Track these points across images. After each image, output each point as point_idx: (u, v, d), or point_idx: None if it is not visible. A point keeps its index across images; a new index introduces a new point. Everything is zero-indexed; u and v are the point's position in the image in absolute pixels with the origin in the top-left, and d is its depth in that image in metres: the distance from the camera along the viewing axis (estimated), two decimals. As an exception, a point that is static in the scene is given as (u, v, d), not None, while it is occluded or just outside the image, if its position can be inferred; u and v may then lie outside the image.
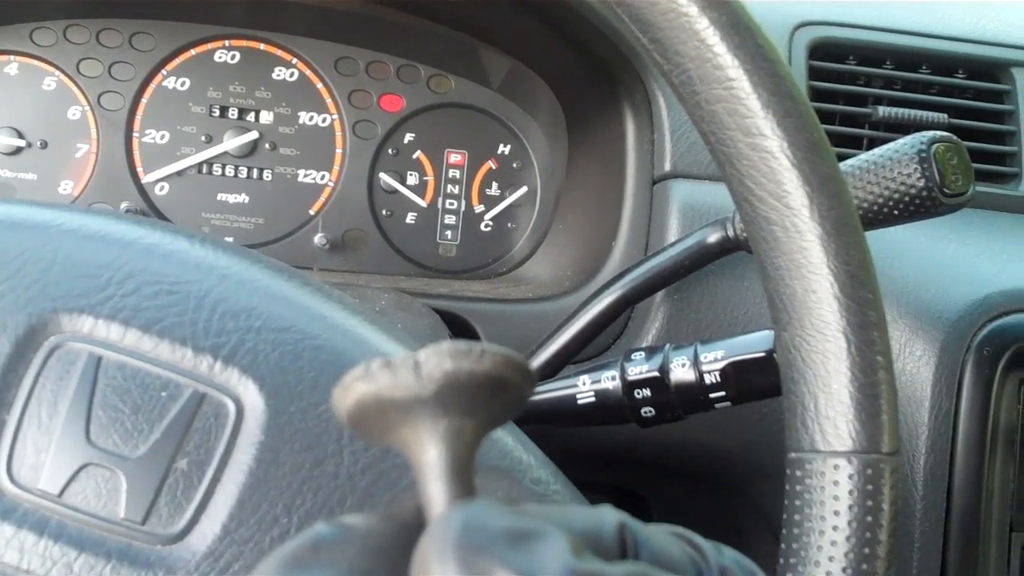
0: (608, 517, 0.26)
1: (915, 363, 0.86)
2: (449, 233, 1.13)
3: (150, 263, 0.52)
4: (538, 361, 0.84)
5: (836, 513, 0.52)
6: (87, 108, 1.08)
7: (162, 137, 1.09)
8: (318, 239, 1.08)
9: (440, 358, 0.29)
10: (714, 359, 0.68)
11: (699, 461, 0.93)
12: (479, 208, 1.13)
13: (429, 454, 0.29)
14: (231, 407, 0.49)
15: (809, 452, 0.53)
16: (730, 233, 0.82)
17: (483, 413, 0.30)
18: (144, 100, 1.09)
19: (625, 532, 0.26)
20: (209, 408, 0.49)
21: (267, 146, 1.10)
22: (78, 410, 0.48)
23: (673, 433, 0.86)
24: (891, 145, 0.77)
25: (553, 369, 0.84)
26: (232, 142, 1.09)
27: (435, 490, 0.28)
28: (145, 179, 1.09)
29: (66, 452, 0.47)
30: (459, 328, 0.93)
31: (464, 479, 0.29)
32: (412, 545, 0.27)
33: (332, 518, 0.42)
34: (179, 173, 1.09)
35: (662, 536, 0.27)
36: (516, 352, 0.30)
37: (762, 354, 0.67)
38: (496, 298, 0.96)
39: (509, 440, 0.53)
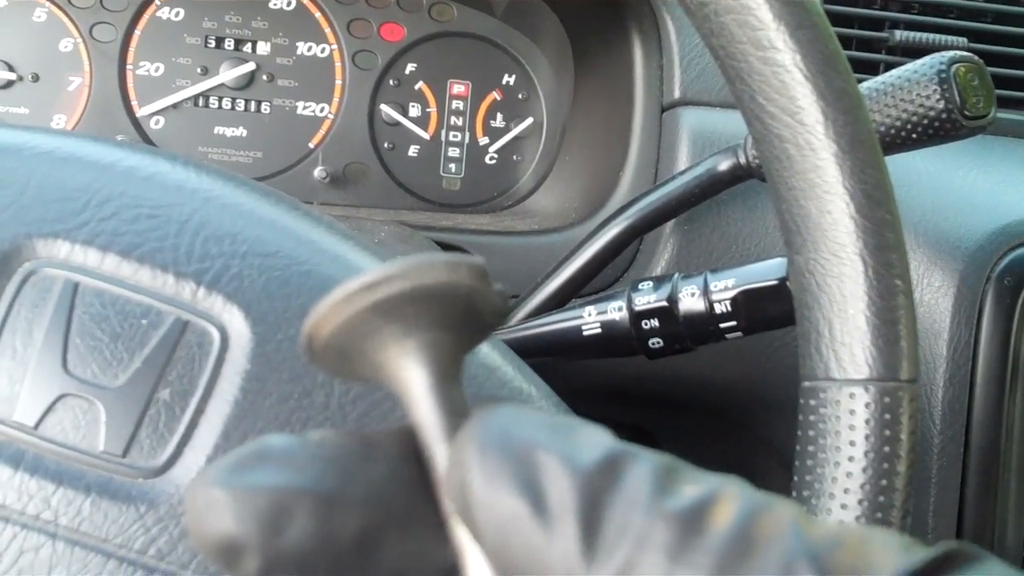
0: None
1: (933, 294, 0.83)
2: (453, 166, 1.10)
3: (129, 186, 0.49)
4: (543, 294, 0.82)
5: (852, 443, 0.50)
6: (79, 40, 1.05)
7: (156, 69, 1.06)
8: (318, 173, 1.05)
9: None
10: (724, 288, 0.66)
11: (709, 395, 0.90)
12: (483, 140, 1.10)
13: (425, 369, 0.27)
14: (215, 335, 0.47)
15: (824, 380, 0.51)
16: (742, 160, 0.79)
17: (475, 331, 0.29)
18: (137, 31, 1.05)
19: None
20: (192, 336, 0.46)
21: (264, 78, 1.07)
22: (54, 338, 0.46)
23: (682, 367, 0.84)
24: (909, 66, 0.74)
25: (559, 302, 0.81)
26: (228, 74, 1.06)
27: (429, 406, 0.27)
28: (140, 112, 1.06)
29: (42, 382, 0.45)
30: (462, 262, 0.90)
31: (460, 397, 0.28)
32: (372, 460, 0.26)
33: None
34: (175, 106, 1.06)
35: None
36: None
37: (774, 282, 0.65)
38: (501, 231, 0.94)
39: (509, 370, 0.51)
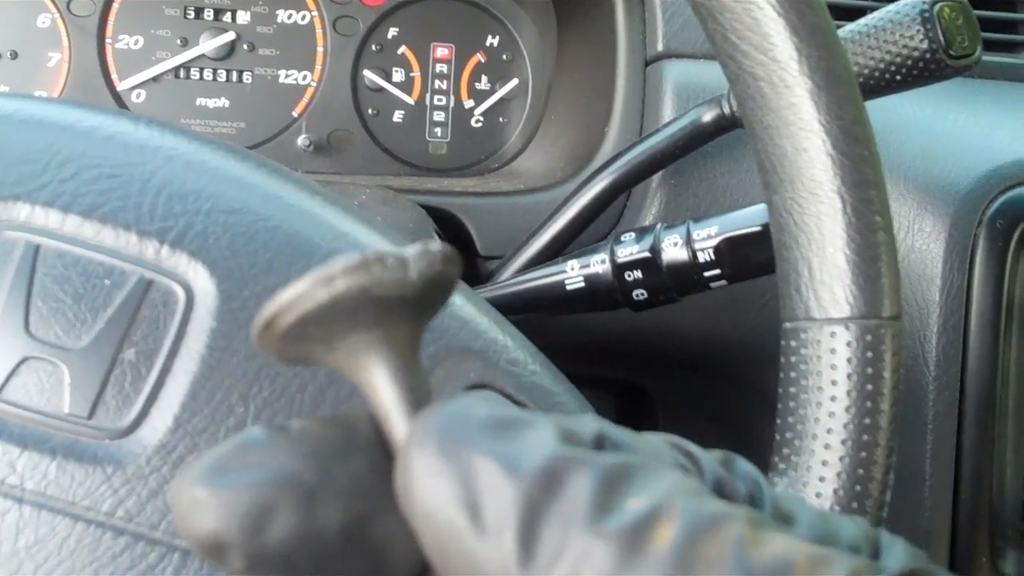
0: (585, 425, 0.24)
1: (924, 239, 0.82)
2: (439, 130, 1.08)
3: (90, 146, 0.48)
4: (529, 252, 0.81)
5: (834, 383, 0.49)
6: (56, 15, 1.03)
7: (136, 42, 1.05)
8: (302, 141, 1.04)
9: (431, 257, 0.27)
10: (707, 236, 0.65)
11: (701, 350, 0.90)
12: (469, 103, 1.09)
13: (376, 365, 0.26)
14: (180, 293, 0.46)
15: (804, 320, 0.50)
16: (726, 111, 0.78)
17: (421, 312, 0.28)
18: (115, 4, 1.04)
19: (604, 441, 0.24)
20: (157, 295, 0.46)
21: (245, 47, 1.06)
22: (16, 301, 0.45)
23: (673, 322, 0.83)
24: (892, 7, 0.73)
25: (545, 260, 0.80)
26: (208, 44, 1.05)
27: (387, 400, 0.26)
28: (120, 86, 1.05)
29: (4, 346, 0.44)
30: (448, 224, 0.89)
31: (419, 383, 0.27)
32: (353, 449, 0.25)
33: (273, 422, 0.40)
34: (155, 79, 1.05)
35: (649, 446, 0.24)
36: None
37: (757, 228, 0.64)
38: (486, 192, 0.93)
39: (483, 321, 0.50)
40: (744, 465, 0.26)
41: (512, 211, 0.90)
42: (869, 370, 0.49)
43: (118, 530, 0.43)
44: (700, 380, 0.98)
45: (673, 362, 0.93)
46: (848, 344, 0.49)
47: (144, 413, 0.44)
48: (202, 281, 0.46)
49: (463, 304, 0.50)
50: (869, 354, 0.49)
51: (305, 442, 0.25)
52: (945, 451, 0.82)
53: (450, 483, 0.22)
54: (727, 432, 1.00)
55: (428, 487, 0.22)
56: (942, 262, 0.81)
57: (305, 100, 1.07)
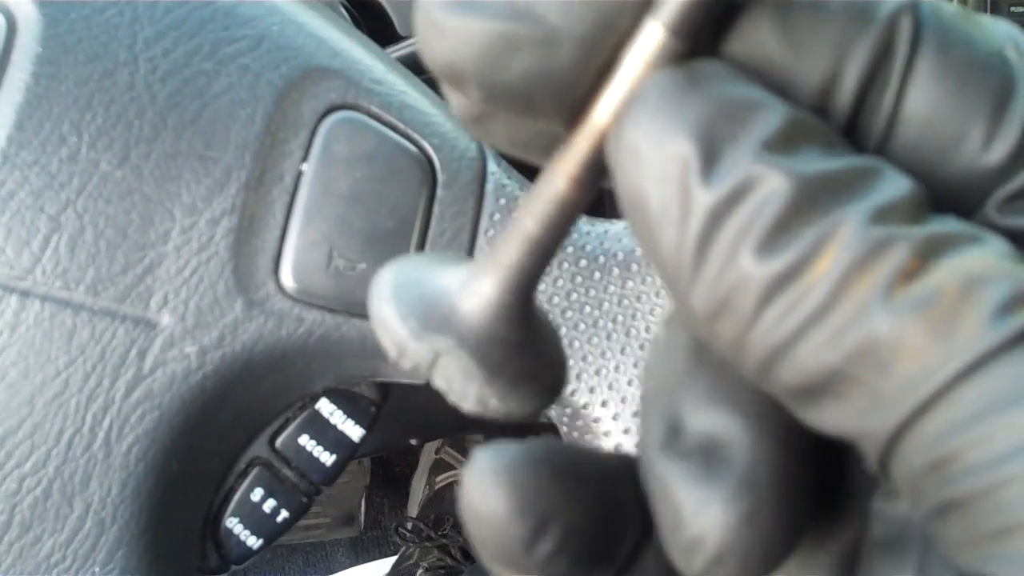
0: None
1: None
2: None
3: None
4: None
5: None
6: None
7: None
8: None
9: None
10: None
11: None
12: None
13: None
14: (0, 20, 0.42)
15: None
16: None
17: None
18: None
19: (902, 16, 0.20)
20: (-26, 24, 0.42)
21: None
22: None
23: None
24: None
25: None
26: None
27: None
28: None
29: None
30: (366, 9, 0.84)
31: None
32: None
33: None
34: None
35: (966, 20, 0.21)
36: None
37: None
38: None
39: (344, 40, 0.46)
40: None
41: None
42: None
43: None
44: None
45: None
46: None
47: (-31, 151, 0.41)
48: (24, 5, 0.42)
49: (321, 24, 0.46)
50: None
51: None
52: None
53: (646, 169, 0.20)
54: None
55: (628, 161, 0.20)
56: None
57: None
